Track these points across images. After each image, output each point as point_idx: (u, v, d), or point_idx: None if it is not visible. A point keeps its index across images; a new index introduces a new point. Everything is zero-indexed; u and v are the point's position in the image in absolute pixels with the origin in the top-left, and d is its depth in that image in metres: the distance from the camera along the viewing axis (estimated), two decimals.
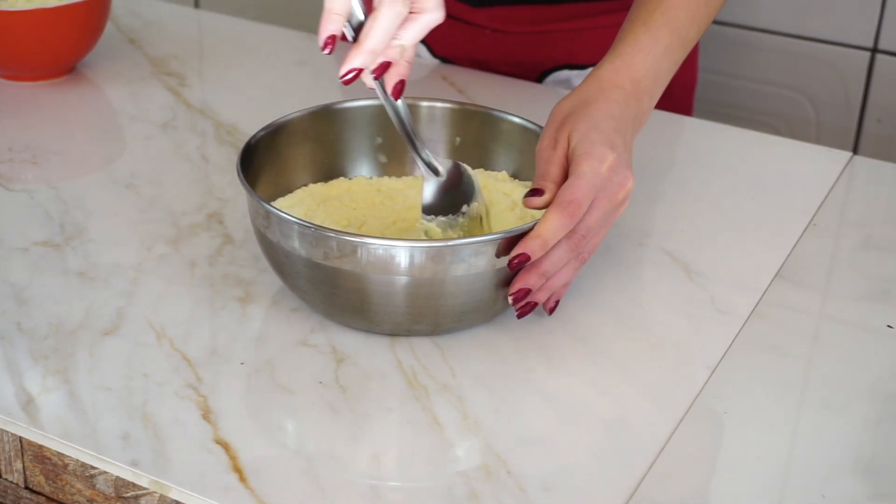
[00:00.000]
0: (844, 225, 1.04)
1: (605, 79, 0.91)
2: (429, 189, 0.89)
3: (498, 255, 0.82)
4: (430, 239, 0.88)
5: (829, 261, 0.99)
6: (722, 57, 1.67)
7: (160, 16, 1.44)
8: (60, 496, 0.81)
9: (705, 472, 0.77)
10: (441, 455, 0.76)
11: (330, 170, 0.99)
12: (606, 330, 0.88)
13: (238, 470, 0.74)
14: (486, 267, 0.82)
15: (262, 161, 0.93)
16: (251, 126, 1.12)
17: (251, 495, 0.72)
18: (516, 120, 0.97)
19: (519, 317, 0.85)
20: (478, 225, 0.90)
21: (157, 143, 1.14)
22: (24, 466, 0.82)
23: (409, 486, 0.74)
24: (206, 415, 0.78)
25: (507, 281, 0.84)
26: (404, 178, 1.00)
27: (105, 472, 0.77)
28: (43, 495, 0.82)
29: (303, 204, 0.95)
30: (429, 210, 0.89)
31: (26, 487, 0.83)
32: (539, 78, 1.29)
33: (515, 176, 0.98)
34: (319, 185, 0.98)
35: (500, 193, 0.96)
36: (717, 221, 1.03)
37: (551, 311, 0.87)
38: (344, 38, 0.80)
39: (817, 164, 1.13)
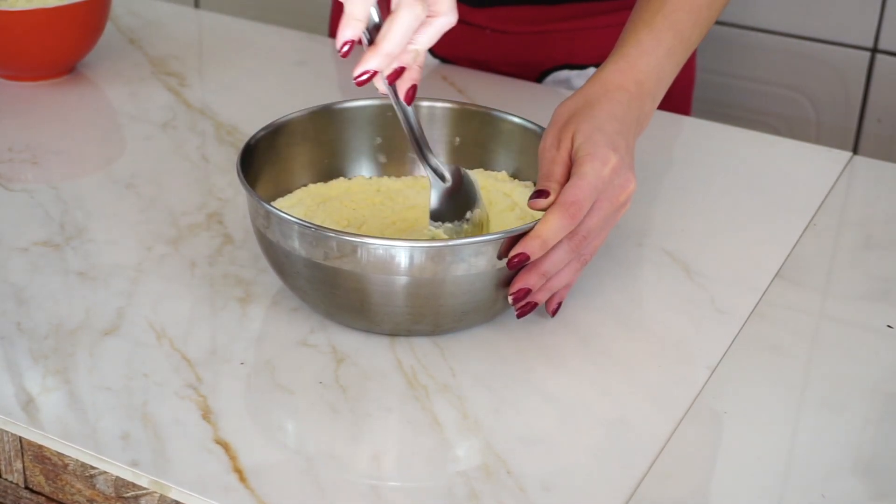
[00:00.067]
0: (844, 225, 1.04)
1: (608, 80, 0.91)
2: (436, 195, 0.88)
3: (499, 257, 0.82)
4: (429, 239, 0.88)
5: (829, 261, 0.99)
6: (722, 57, 1.67)
7: (160, 16, 1.44)
8: (60, 496, 0.81)
9: (705, 472, 0.77)
10: (441, 455, 0.76)
11: (330, 170, 0.99)
12: (607, 330, 0.88)
13: (238, 470, 0.74)
14: (487, 267, 0.82)
15: (262, 161, 0.93)
16: (251, 126, 1.12)
17: (251, 495, 0.72)
18: (516, 120, 0.97)
19: (519, 316, 0.85)
20: (480, 231, 0.90)
21: (157, 143, 1.14)
22: (24, 466, 0.82)
23: (409, 486, 0.74)
24: (206, 415, 0.78)
25: (507, 281, 0.84)
26: (404, 178, 1.00)
27: (105, 472, 0.77)
28: (43, 495, 0.82)
29: (303, 204, 0.95)
30: (436, 216, 0.89)
31: (26, 487, 0.83)
32: (539, 78, 1.29)
33: (515, 176, 0.98)
34: (319, 185, 0.98)
35: (500, 193, 0.96)
36: (717, 221, 1.03)
37: (554, 312, 0.87)
38: (359, 41, 0.80)
39: (817, 164, 1.13)
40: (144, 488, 0.76)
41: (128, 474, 0.75)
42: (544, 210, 0.84)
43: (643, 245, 0.99)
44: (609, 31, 1.22)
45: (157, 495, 0.76)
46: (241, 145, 0.91)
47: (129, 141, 1.16)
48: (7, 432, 0.81)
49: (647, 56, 0.92)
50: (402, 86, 0.83)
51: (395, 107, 0.84)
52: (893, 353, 0.87)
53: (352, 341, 0.86)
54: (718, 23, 1.64)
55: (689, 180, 1.09)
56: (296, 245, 0.83)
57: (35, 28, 1.19)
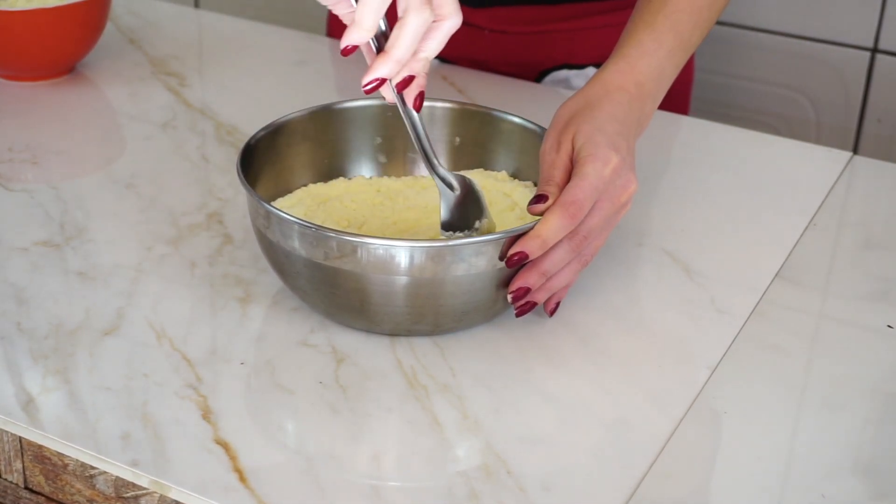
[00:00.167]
0: (844, 225, 1.04)
1: (609, 81, 0.91)
2: (445, 205, 0.88)
3: (500, 257, 0.82)
4: (429, 239, 0.88)
5: (829, 261, 0.99)
6: (722, 57, 1.67)
7: (160, 16, 1.44)
8: (60, 496, 0.81)
9: (705, 472, 0.77)
10: (441, 455, 0.76)
11: (330, 170, 0.99)
12: (607, 330, 0.88)
13: (238, 470, 0.74)
14: (487, 267, 0.82)
15: (262, 161, 0.93)
16: (251, 126, 1.12)
17: (251, 495, 0.72)
18: (516, 120, 0.97)
19: (518, 315, 0.85)
20: None
21: (157, 143, 1.14)
22: (23, 466, 0.82)
23: (409, 486, 0.74)
24: (206, 415, 0.78)
25: (507, 281, 0.84)
26: (404, 178, 1.00)
27: (105, 472, 0.77)
28: (43, 495, 0.82)
29: (303, 204, 0.95)
30: (447, 226, 0.88)
31: (26, 487, 0.83)
32: (538, 78, 1.29)
33: (515, 176, 0.98)
34: (319, 185, 0.98)
35: (500, 193, 0.96)
36: (717, 221, 1.03)
37: (552, 312, 0.87)
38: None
39: (817, 164, 1.13)
40: (144, 488, 0.76)
41: (128, 474, 0.75)
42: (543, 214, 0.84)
43: (643, 245, 0.99)
44: (608, 30, 1.22)
45: (157, 495, 0.76)
46: (241, 145, 0.91)
47: (129, 141, 1.16)
48: (7, 432, 0.81)
49: (648, 57, 0.92)
50: (410, 93, 0.82)
51: (403, 115, 0.84)
52: (893, 353, 0.87)
53: (352, 341, 0.86)
54: (718, 23, 1.64)
55: (689, 180, 1.09)
56: (296, 245, 0.83)
57: (35, 28, 1.19)
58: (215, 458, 0.75)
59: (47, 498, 0.82)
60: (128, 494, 0.77)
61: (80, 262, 0.94)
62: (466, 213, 0.88)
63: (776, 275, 0.96)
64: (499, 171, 0.99)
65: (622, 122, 0.88)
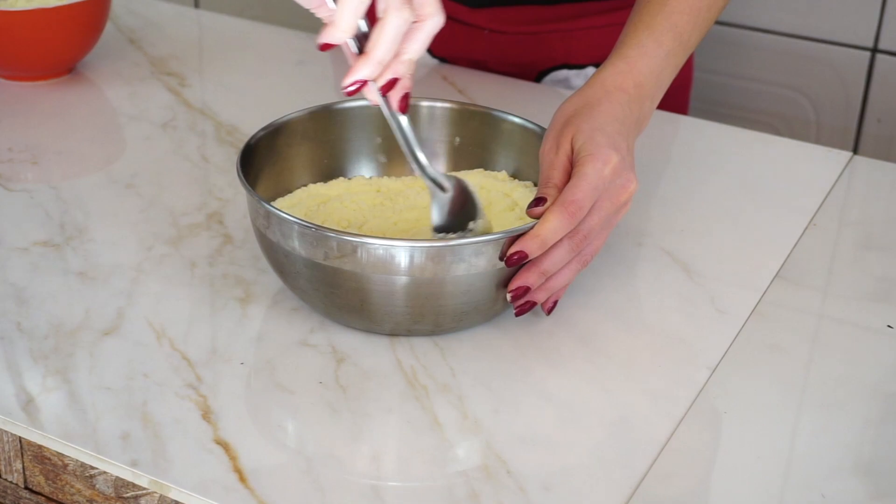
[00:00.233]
0: (844, 225, 1.04)
1: (608, 82, 0.91)
2: (436, 206, 0.87)
3: (500, 258, 0.82)
4: (429, 239, 0.88)
5: (829, 261, 0.99)
6: (722, 57, 1.67)
7: (160, 16, 1.44)
8: (60, 496, 0.81)
9: (705, 472, 0.77)
10: (441, 455, 0.76)
11: (330, 170, 0.99)
12: (606, 330, 0.88)
13: (238, 470, 0.74)
14: (487, 267, 0.82)
15: (262, 161, 0.93)
16: (251, 126, 1.12)
17: (251, 495, 0.72)
18: (516, 120, 0.97)
19: (517, 315, 0.85)
20: None
21: (157, 143, 1.14)
22: (23, 466, 0.82)
23: (409, 486, 0.74)
24: (206, 415, 0.78)
25: (507, 281, 0.84)
26: (404, 178, 1.00)
27: (105, 472, 0.77)
28: (43, 495, 0.82)
29: (303, 204, 0.95)
30: (439, 228, 0.88)
31: (26, 487, 0.83)
32: (537, 78, 1.29)
33: (515, 176, 0.98)
34: (319, 185, 0.98)
35: (500, 193, 0.96)
36: (717, 221, 1.03)
37: (549, 311, 0.87)
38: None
39: (817, 164, 1.13)
40: (144, 488, 0.76)
41: (128, 474, 0.75)
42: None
43: (643, 245, 0.99)
44: (607, 30, 1.22)
45: (157, 495, 0.76)
46: (241, 145, 0.91)
47: (129, 141, 1.16)
48: (7, 432, 0.81)
49: (647, 58, 0.92)
50: (395, 95, 0.81)
51: (388, 118, 0.83)
52: (893, 353, 0.87)
53: (352, 341, 0.86)
54: (718, 22, 1.64)
55: (689, 180, 1.09)
56: (296, 245, 0.83)
57: (35, 28, 1.19)
58: (215, 458, 0.75)
59: (47, 498, 0.82)
60: (128, 494, 0.77)
61: (80, 262, 0.94)
62: (460, 214, 0.88)
63: (776, 275, 0.96)
64: (499, 171, 0.99)
65: (622, 122, 0.88)
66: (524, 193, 0.96)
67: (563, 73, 1.28)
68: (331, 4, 0.78)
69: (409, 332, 0.86)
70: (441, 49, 1.31)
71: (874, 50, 1.58)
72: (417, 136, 0.84)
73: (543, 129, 0.93)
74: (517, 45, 1.27)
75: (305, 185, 0.98)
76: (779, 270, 0.96)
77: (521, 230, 0.82)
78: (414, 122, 0.99)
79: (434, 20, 0.79)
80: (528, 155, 0.96)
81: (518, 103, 1.17)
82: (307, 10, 0.81)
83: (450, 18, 1.28)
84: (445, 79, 1.27)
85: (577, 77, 1.27)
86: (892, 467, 0.77)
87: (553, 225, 0.82)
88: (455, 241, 0.80)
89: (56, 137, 1.15)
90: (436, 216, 0.87)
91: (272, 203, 0.89)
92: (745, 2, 1.63)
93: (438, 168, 1.00)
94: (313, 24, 0.83)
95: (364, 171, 1.00)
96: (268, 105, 1.20)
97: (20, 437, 0.80)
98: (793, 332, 0.89)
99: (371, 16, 0.78)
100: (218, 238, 0.98)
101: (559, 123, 0.89)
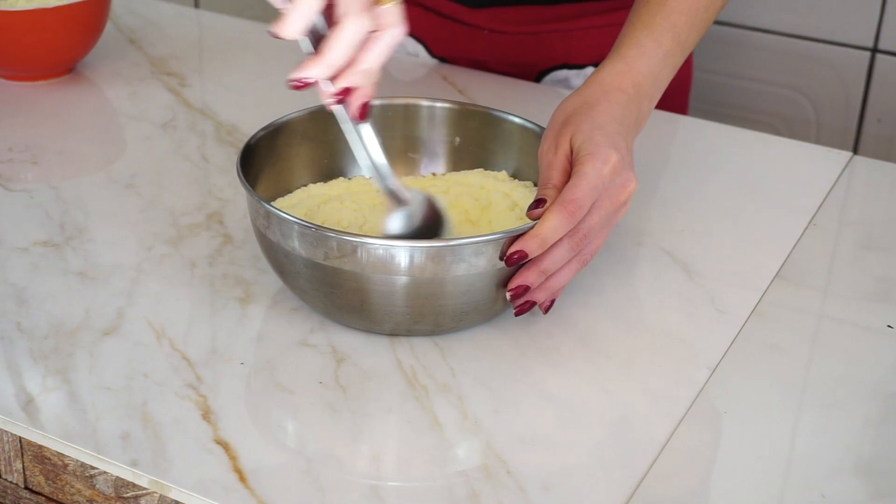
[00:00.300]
0: (844, 225, 1.04)
1: (606, 81, 0.91)
2: (392, 220, 0.85)
3: (500, 258, 0.82)
4: (430, 239, 0.88)
5: (829, 261, 0.99)
6: (722, 57, 1.67)
7: (160, 16, 1.44)
8: (60, 496, 0.81)
9: (705, 472, 0.77)
10: (441, 455, 0.76)
11: (330, 170, 0.99)
12: (606, 330, 0.88)
13: (238, 470, 0.74)
14: (487, 267, 0.82)
15: (262, 161, 0.93)
16: (251, 126, 1.12)
17: (251, 495, 0.72)
18: (516, 120, 0.97)
19: (517, 314, 0.85)
20: None
21: (157, 143, 1.14)
22: (24, 466, 0.82)
23: (409, 486, 0.74)
24: (206, 415, 0.78)
25: (507, 281, 0.84)
26: (404, 178, 1.00)
27: (105, 472, 0.77)
28: (43, 495, 0.82)
29: (303, 204, 0.95)
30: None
31: (26, 487, 0.83)
32: (537, 78, 1.29)
33: (515, 176, 0.98)
34: (319, 185, 0.98)
35: (500, 193, 0.96)
36: (717, 221, 1.03)
37: (546, 310, 0.87)
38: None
39: (817, 164, 1.13)
40: (144, 488, 0.76)
41: (128, 474, 0.75)
42: None
43: (642, 244, 0.99)
44: (607, 30, 1.22)
45: (157, 495, 0.76)
46: (241, 145, 0.91)
47: (129, 141, 1.16)
48: (7, 432, 0.81)
49: (646, 58, 0.92)
50: (354, 103, 0.79)
51: (343, 126, 0.81)
52: (893, 353, 0.87)
53: (352, 341, 0.86)
54: (718, 22, 1.64)
55: (689, 180, 1.09)
56: (296, 245, 0.83)
57: (35, 28, 1.19)
58: (215, 458, 0.75)
59: (47, 498, 0.82)
60: (128, 494, 0.77)
61: (80, 262, 0.94)
62: (424, 230, 0.85)
63: (776, 275, 0.96)
64: (499, 171, 0.99)
65: (620, 121, 0.88)
66: (524, 193, 0.96)
67: (563, 73, 1.28)
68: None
69: (409, 332, 0.86)
70: (440, 49, 1.31)
71: (874, 50, 1.58)
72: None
73: (543, 129, 0.93)
74: (517, 45, 1.27)
75: (305, 185, 0.98)
76: (779, 270, 0.96)
77: (521, 230, 0.82)
78: (414, 122, 1.00)
79: (393, 31, 0.77)
80: (528, 155, 0.96)
81: (518, 103, 1.17)
82: None
83: (450, 18, 1.29)
84: (445, 79, 1.27)
85: (577, 77, 1.27)
86: (892, 467, 0.77)
87: (553, 224, 0.82)
88: (455, 241, 0.80)
89: (56, 137, 1.15)
90: (393, 226, 0.85)
91: (272, 203, 0.89)
92: (745, 2, 1.63)
93: (439, 169, 1.01)
94: None
95: (364, 170, 1.00)
96: (268, 105, 1.20)
97: (20, 437, 0.80)
98: (793, 332, 0.89)
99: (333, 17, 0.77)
100: (218, 238, 0.98)
101: (557, 123, 0.89)
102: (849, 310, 0.92)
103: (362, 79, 0.78)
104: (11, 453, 0.82)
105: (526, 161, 0.97)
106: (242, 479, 0.73)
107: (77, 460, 0.78)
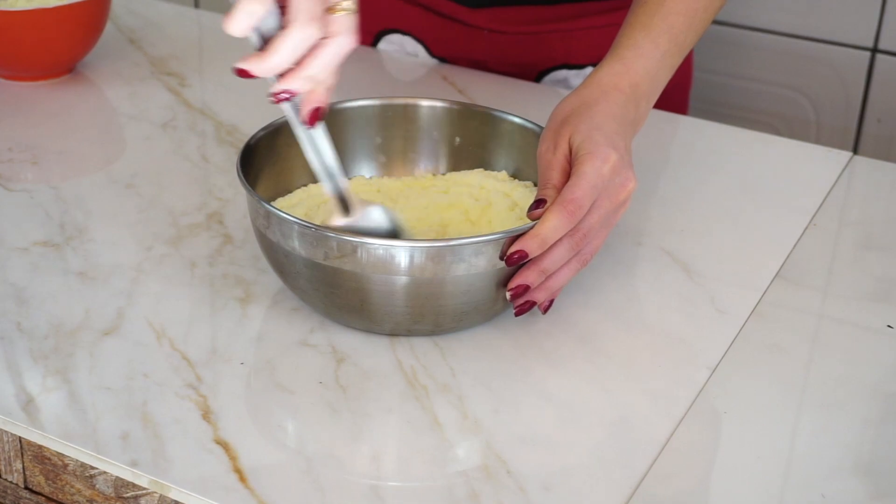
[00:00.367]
0: (844, 225, 1.04)
1: (604, 82, 0.91)
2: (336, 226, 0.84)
3: (500, 258, 0.82)
4: (429, 239, 0.88)
5: (829, 261, 0.99)
6: (722, 57, 1.67)
7: (160, 16, 1.44)
8: (60, 496, 0.81)
9: (705, 472, 0.77)
10: (441, 455, 0.76)
11: None
12: (606, 330, 0.88)
13: (238, 470, 0.74)
14: (487, 267, 0.82)
15: (262, 161, 0.93)
16: (251, 126, 1.12)
17: (251, 495, 0.72)
18: (516, 120, 0.97)
19: (517, 314, 0.85)
20: None
21: (157, 143, 1.14)
22: (23, 466, 0.82)
23: (409, 486, 0.74)
24: (206, 415, 0.78)
25: (507, 281, 0.84)
26: (404, 178, 1.00)
27: (105, 473, 0.77)
28: (43, 495, 0.82)
29: (303, 204, 0.95)
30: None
31: (26, 487, 0.83)
32: (537, 78, 1.29)
33: (515, 176, 0.98)
34: (319, 185, 0.98)
35: (500, 193, 0.96)
36: (717, 221, 1.03)
37: (545, 309, 0.87)
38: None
39: (817, 164, 1.13)
40: (144, 488, 0.76)
41: (128, 474, 0.75)
42: None
43: (642, 244, 0.99)
44: (606, 30, 1.22)
45: (157, 495, 0.76)
46: (241, 145, 0.91)
47: (129, 141, 1.16)
48: (7, 432, 0.81)
49: (644, 59, 0.92)
50: (304, 107, 0.79)
51: (294, 129, 0.80)
52: (893, 353, 0.87)
53: (352, 341, 0.86)
54: (718, 22, 1.64)
55: (689, 180, 1.09)
56: (296, 245, 0.83)
57: (35, 28, 1.19)
58: (215, 458, 0.75)
59: (47, 498, 0.82)
60: (128, 494, 0.77)
61: (80, 262, 0.94)
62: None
63: (776, 275, 0.96)
64: (499, 171, 0.99)
65: (619, 121, 0.88)
66: (524, 193, 0.96)
67: (563, 73, 1.28)
68: None
69: (409, 332, 0.86)
70: (440, 49, 1.31)
71: (874, 50, 1.58)
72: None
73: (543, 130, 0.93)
74: (517, 45, 1.27)
75: (305, 185, 0.98)
76: (779, 270, 0.96)
77: (521, 230, 0.82)
78: (414, 122, 1.00)
79: (341, 39, 0.77)
80: (528, 155, 0.96)
81: (518, 103, 1.17)
82: None
83: (450, 18, 1.29)
84: (445, 79, 1.27)
85: (577, 77, 1.27)
86: (892, 467, 0.77)
87: (553, 224, 0.82)
88: (455, 241, 0.80)
89: (56, 137, 1.15)
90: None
91: (272, 203, 0.89)
92: (745, 2, 1.63)
93: (439, 169, 1.00)
94: None
95: (364, 171, 1.00)
96: (268, 105, 1.19)
97: (20, 437, 0.80)
98: (793, 332, 0.89)
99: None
100: (218, 238, 0.98)
101: (556, 123, 0.89)
102: (849, 310, 0.92)
103: (306, 84, 0.78)
104: (11, 453, 0.82)
105: (526, 161, 0.97)
106: (242, 479, 0.73)
107: (77, 460, 0.78)
